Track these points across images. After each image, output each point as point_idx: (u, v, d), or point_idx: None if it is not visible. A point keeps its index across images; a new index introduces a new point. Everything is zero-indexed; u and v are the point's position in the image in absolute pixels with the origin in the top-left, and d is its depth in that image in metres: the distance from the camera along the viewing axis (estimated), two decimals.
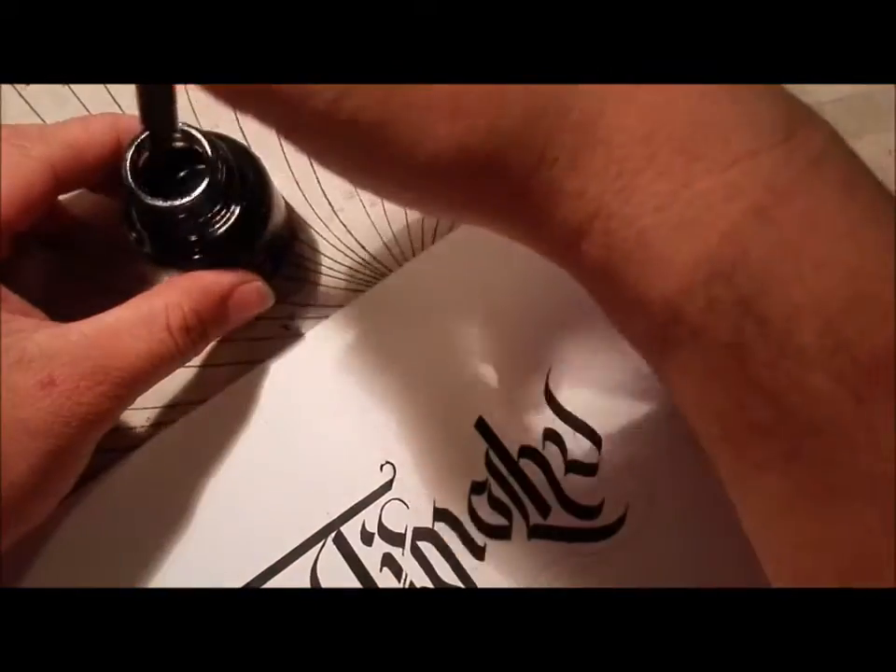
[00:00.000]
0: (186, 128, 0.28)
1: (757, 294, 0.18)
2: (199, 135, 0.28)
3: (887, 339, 0.17)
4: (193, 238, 0.29)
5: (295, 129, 0.21)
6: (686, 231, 0.18)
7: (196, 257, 0.29)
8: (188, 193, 0.27)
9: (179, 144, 0.28)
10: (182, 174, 0.29)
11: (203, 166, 0.28)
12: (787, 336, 0.18)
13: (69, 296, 0.33)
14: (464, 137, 0.19)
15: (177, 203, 0.27)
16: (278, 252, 0.33)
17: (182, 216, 0.28)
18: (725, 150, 0.18)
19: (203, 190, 0.27)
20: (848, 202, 0.18)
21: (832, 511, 0.18)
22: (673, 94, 0.18)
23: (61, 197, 0.32)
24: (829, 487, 0.18)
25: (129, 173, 0.28)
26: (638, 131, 0.18)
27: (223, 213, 0.29)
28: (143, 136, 0.28)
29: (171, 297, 0.28)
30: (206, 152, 0.27)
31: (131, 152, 0.28)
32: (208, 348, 0.32)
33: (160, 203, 0.27)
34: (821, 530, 0.18)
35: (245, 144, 0.31)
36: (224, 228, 0.29)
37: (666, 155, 0.18)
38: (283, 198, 0.33)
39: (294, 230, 0.34)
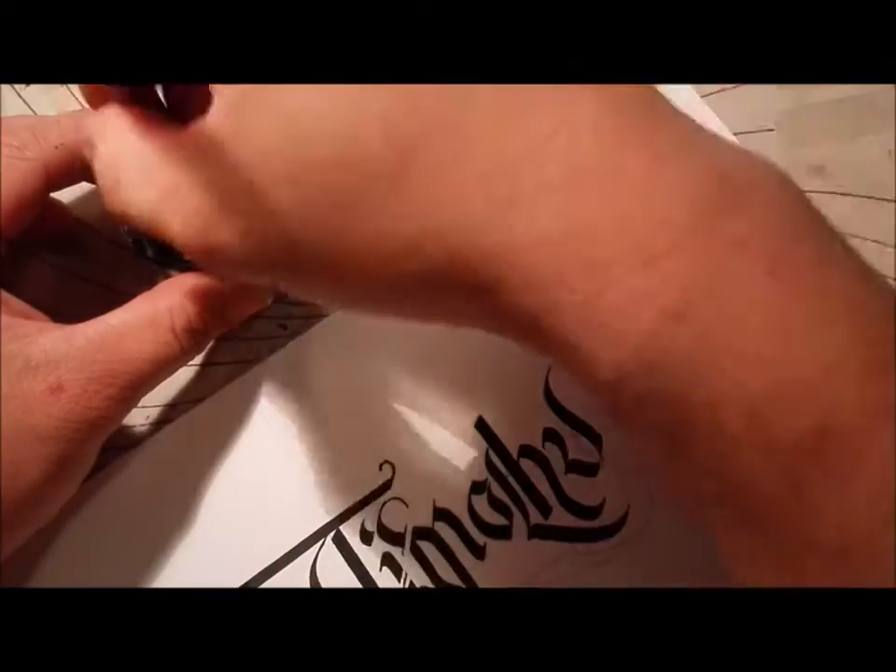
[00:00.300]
0: None
1: (682, 389, 0.18)
2: None
3: (810, 420, 0.17)
4: None
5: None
6: (605, 338, 0.19)
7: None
8: None
9: None
10: None
11: None
12: (714, 423, 0.18)
13: (71, 297, 0.33)
14: (395, 277, 0.21)
15: None
16: None
17: None
18: (635, 255, 0.18)
19: None
20: (771, 287, 0.18)
21: (786, 572, 0.19)
22: (576, 208, 0.19)
23: (64, 199, 0.32)
24: (779, 551, 0.18)
25: None
26: (547, 254, 0.19)
27: None
28: None
29: (174, 299, 0.28)
30: None
31: None
32: (207, 347, 0.32)
33: None
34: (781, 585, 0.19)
35: None
36: None
37: (576, 272, 0.19)
38: None
39: None
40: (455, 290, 0.20)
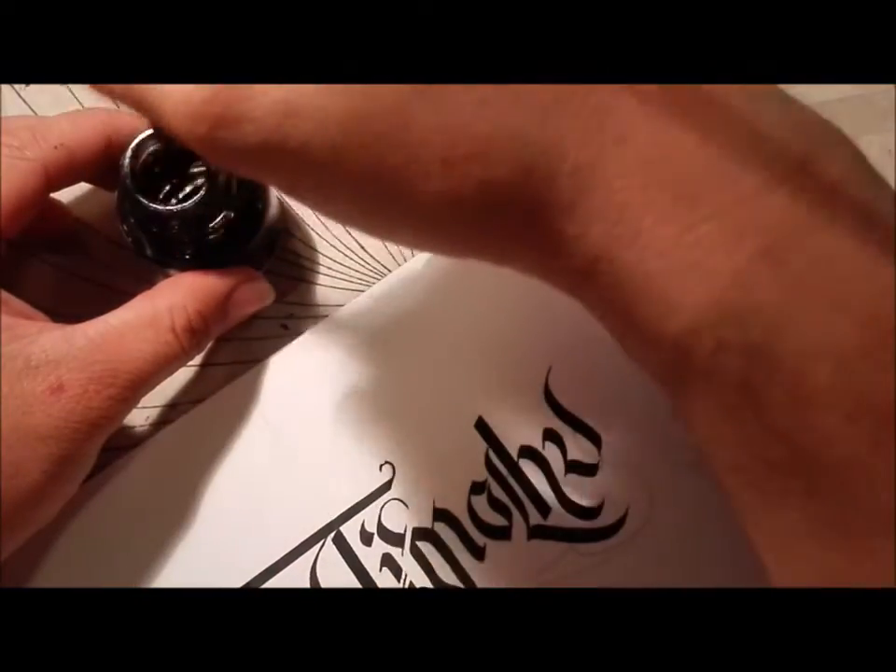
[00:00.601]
0: None
1: (768, 337, 0.17)
2: None
3: None
4: (191, 239, 0.29)
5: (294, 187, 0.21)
6: (691, 276, 0.18)
7: (194, 256, 0.29)
8: (185, 195, 0.27)
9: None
10: (176, 180, 0.29)
11: (199, 168, 0.28)
12: (799, 379, 0.17)
13: (71, 297, 0.33)
14: (457, 187, 0.19)
15: (179, 208, 0.27)
16: (273, 242, 0.33)
17: (180, 219, 0.28)
18: (729, 191, 0.17)
19: (204, 194, 0.27)
20: (864, 236, 0.17)
21: (853, 545, 0.18)
22: (671, 134, 0.18)
23: (64, 199, 0.32)
24: (849, 522, 0.18)
25: (128, 177, 0.28)
26: (636, 177, 0.18)
27: (220, 215, 0.29)
28: (139, 140, 0.28)
29: (174, 298, 0.28)
30: None
31: (129, 157, 0.28)
32: (207, 347, 0.32)
33: (160, 207, 0.27)
34: (842, 563, 0.18)
35: None
36: (221, 229, 0.29)
37: (667, 200, 0.18)
38: (276, 193, 0.32)
39: (287, 223, 0.34)
40: (515, 211, 0.19)
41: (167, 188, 0.30)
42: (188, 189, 0.30)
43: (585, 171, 0.18)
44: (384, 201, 0.20)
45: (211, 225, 0.29)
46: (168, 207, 0.28)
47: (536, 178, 0.18)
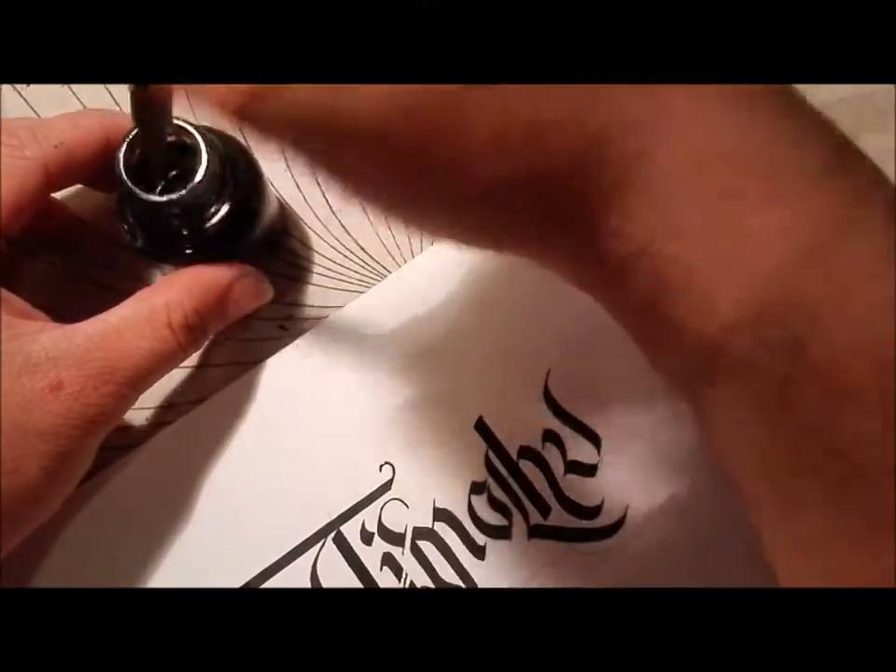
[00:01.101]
0: (178, 122, 0.27)
1: (808, 335, 0.17)
2: (192, 129, 0.27)
3: None
4: (187, 232, 0.29)
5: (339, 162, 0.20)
6: (735, 269, 0.18)
7: (190, 251, 0.29)
8: (181, 188, 0.27)
9: (171, 138, 0.28)
10: (174, 172, 0.29)
11: (195, 160, 0.28)
12: (838, 378, 0.17)
13: (69, 296, 0.33)
14: (506, 175, 0.19)
15: (171, 197, 0.27)
16: (273, 242, 0.33)
17: (176, 210, 0.28)
18: (773, 187, 0.18)
19: (197, 184, 0.27)
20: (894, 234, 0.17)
21: (876, 545, 0.18)
22: (715, 128, 0.18)
23: (62, 197, 0.32)
24: (874, 522, 0.18)
25: (122, 169, 0.27)
26: (682, 171, 0.18)
27: (216, 206, 0.29)
28: (135, 132, 0.27)
29: (171, 295, 0.28)
30: (199, 146, 0.27)
31: (124, 149, 0.28)
32: (206, 348, 0.32)
33: (154, 198, 0.27)
34: (864, 562, 0.18)
35: (245, 144, 0.31)
36: (217, 221, 0.29)
37: (712, 193, 0.18)
38: (275, 191, 0.32)
39: (286, 222, 0.34)
40: (560, 200, 0.19)
41: (164, 182, 0.30)
42: (185, 182, 0.30)
43: (633, 161, 0.18)
44: (429, 183, 0.19)
45: (208, 215, 0.29)
46: (164, 197, 0.27)
47: (585, 166, 0.18)
